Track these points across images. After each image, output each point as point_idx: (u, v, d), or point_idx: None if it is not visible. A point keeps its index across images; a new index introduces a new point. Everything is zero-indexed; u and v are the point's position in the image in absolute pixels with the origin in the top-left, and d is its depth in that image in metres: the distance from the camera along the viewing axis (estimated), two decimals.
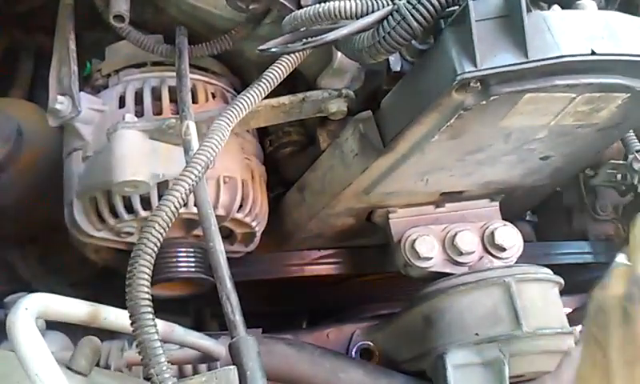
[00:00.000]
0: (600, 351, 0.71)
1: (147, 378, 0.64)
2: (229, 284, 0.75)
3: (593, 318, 0.74)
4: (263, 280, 1.21)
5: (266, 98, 0.93)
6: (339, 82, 1.04)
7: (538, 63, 0.76)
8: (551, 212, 1.39)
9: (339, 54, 1.00)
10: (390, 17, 0.78)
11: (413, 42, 0.82)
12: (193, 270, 1.04)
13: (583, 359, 0.75)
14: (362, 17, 0.78)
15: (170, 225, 0.73)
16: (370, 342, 1.12)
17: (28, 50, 1.44)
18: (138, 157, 0.95)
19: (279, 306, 1.36)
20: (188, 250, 1.04)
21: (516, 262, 1.07)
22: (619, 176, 1.25)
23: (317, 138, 1.08)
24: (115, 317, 0.72)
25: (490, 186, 1.09)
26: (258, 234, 1.12)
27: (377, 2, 0.79)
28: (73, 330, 0.80)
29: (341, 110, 1.01)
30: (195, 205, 0.83)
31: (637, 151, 1.15)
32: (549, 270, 1.04)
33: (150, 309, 0.66)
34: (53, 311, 0.67)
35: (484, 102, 0.80)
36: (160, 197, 0.88)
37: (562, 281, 1.04)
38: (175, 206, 0.74)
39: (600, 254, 1.32)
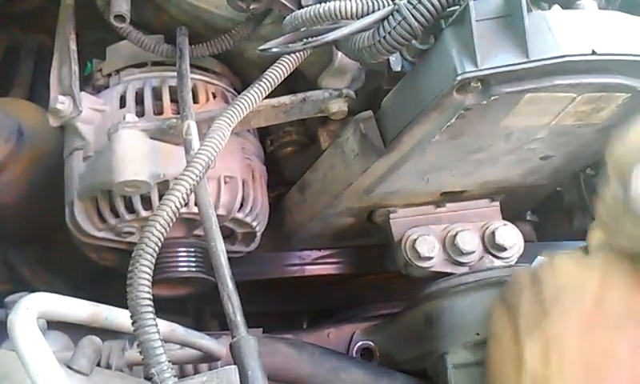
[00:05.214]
0: (510, 311, 0.82)
1: (148, 378, 0.64)
2: (230, 284, 0.75)
3: (508, 287, 0.85)
4: (264, 280, 1.22)
5: (266, 97, 0.93)
6: (340, 82, 1.04)
7: (539, 63, 0.76)
8: (552, 212, 1.38)
9: (340, 53, 1.00)
10: (390, 17, 0.77)
11: (413, 41, 0.82)
12: (193, 269, 1.04)
13: (494, 320, 0.85)
14: (362, 17, 0.78)
15: (171, 225, 0.73)
16: (370, 342, 1.12)
17: (28, 50, 1.44)
18: (138, 157, 0.95)
19: (280, 306, 1.36)
20: (189, 249, 1.04)
21: (517, 262, 1.07)
22: None
23: (317, 137, 1.08)
24: (116, 316, 0.72)
25: (491, 186, 1.09)
26: (259, 234, 1.12)
27: (377, 2, 0.78)
28: (74, 330, 0.80)
29: (341, 110, 1.01)
30: (196, 204, 0.83)
31: None
32: None
33: (151, 308, 0.66)
34: (54, 311, 0.67)
35: (485, 102, 0.79)
36: (161, 197, 0.88)
37: None
38: (176, 206, 0.74)
39: None
